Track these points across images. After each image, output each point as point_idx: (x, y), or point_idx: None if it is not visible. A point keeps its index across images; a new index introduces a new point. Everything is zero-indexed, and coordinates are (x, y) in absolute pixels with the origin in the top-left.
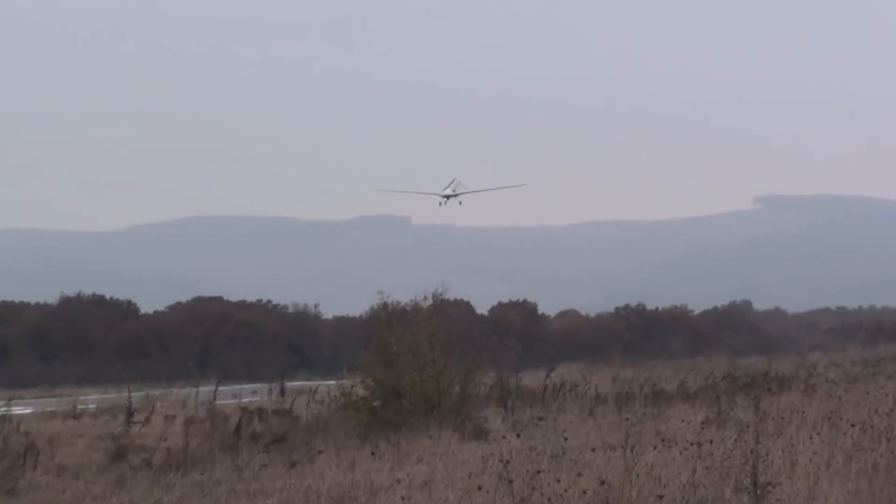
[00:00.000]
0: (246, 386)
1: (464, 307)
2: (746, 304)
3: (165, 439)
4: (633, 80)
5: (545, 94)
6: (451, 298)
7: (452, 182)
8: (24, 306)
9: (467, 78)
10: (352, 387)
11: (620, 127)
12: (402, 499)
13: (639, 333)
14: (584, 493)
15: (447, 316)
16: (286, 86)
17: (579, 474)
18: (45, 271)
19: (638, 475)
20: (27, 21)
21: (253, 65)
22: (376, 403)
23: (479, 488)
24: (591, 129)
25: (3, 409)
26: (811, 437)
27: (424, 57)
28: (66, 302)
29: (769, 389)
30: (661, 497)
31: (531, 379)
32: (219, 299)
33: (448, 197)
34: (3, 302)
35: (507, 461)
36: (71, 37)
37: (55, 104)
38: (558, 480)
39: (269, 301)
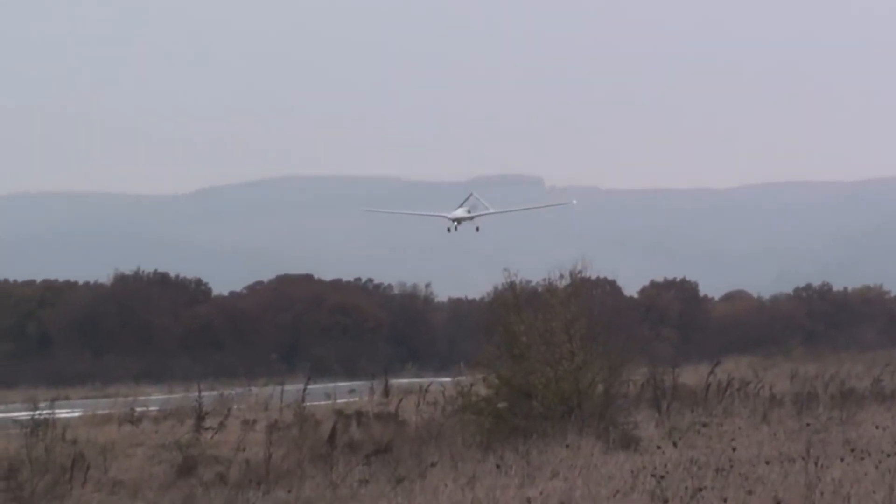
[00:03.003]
0: (342, 384)
1: (608, 288)
2: None
3: (243, 449)
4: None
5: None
6: (593, 277)
7: (468, 200)
8: (70, 287)
9: (613, 33)
10: (471, 385)
11: (799, 73)
12: None
13: (823, 320)
14: None
15: (588, 298)
16: (389, 32)
17: (750, 492)
18: (98, 243)
19: (822, 494)
20: None
21: (357, 12)
22: (501, 405)
23: None
24: (761, 75)
25: (45, 412)
26: None
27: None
28: (121, 281)
29: None
30: None
31: (691, 376)
32: (308, 278)
33: (459, 221)
34: (46, 281)
35: (662, 476)
36: None
37: (116, 50)
38: (724, 500)
39: (370, 280)
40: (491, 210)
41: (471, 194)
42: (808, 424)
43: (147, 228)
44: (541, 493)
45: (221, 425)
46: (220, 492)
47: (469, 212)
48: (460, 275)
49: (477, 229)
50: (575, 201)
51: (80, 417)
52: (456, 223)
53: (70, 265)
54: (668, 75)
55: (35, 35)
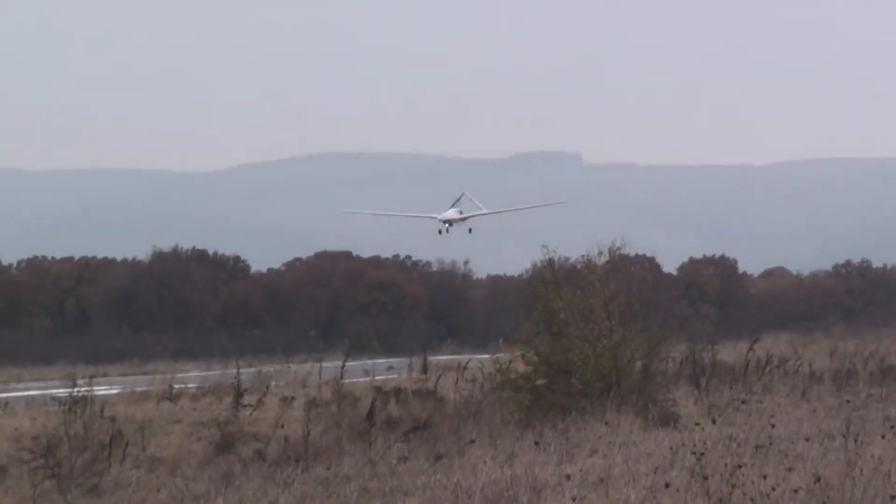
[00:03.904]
0: (380, 361)
1: (648, 264)
2: None
3: (282, 426)
4: None
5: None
6: (632, 254)
7: (459, 200)
8: (108, 263)
9: (656, 9)
10: (510, 362)
11: (840, 50)
12: (573, 499)
13: (862, 297)
14: (796, 491)
15: (627, 275)
16: (432, 7)
17: (789, 469)
18: (137, 220)
19: (862, 471)
20: None
21: None
22: (540, 382)
23: (667, 486)
24: (801, 52)
25: (83, 389)
26: None
27: None
28: (159, 258)
29: None
30: (892, 498)
31: (730, 353)
32: (347, 255)
33: (450, 223)
34: (84, 258)
35: (702, 453)
36: None
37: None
38: (764, 477)
39: (409, 257)
40: (484, 210)
41: (462, 194)
42: (847, 401)
43: (187, 205)
44: (580, 471)
45: (260, 402)
46: (258, 469)
47: (461, 213)
48: (499, 252)
49: (469, 231)
50: (566, 201)
51: (118, 394)
52: (447, 225)
53: (109, 242)
54: (707, 52)
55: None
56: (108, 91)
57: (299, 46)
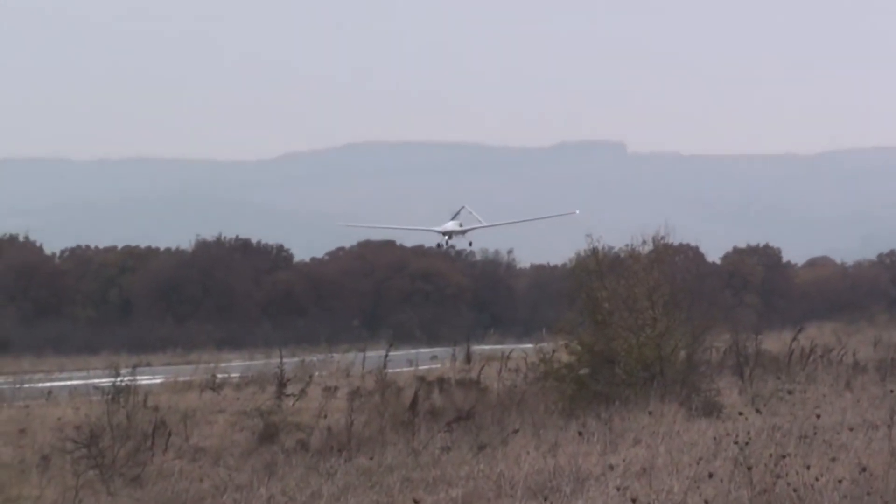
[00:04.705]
0: (424, 350)
1: (691, 254)
2: None
3: (325, 416)
4: None
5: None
6: (676, 243)
7: (459, 213)
8: (152, 253)
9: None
10: (553, 352)
11: (885, 37)
12: (617, 489)
13: None
14: (840, 482)
15: (671, 265)
16: None
17: (833, 459)
18: (180, 209)
19: None
20: None
21: None
22: (584, 372)
23: (711, 476)
24: (845, 39)
25: (126, 378)
26: None
27: None
28: (203, 247)
29: None
30: None
31: (774, 342)
32: (390, 244)
33: (450, 234)
34: (127, 247)
35: (745, 443)
36: None
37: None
38: (808, 467)
39: (452, 246)
40: (483, 223)
41: (462, 207)
42: (891, 391)
43: (230, 194)
44: (623, 460)
45: (303, 392)
46: (301, 459)
47: (461, 225)
48: (543, 241)
49: (470, 244)
50: (577, 211)
51: (161, 384)
52: (447, 237)
53: (152, 231)
54: (751, 41)
55: None
56: (152, 80)
57: (343, 37)
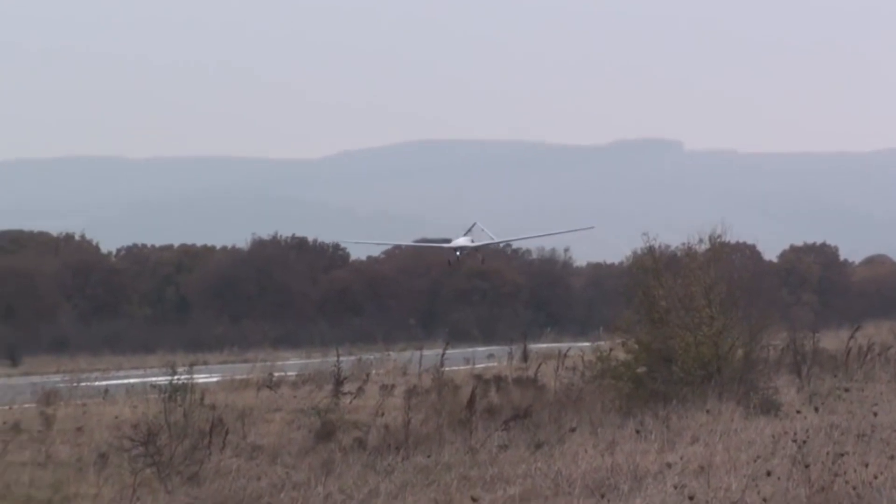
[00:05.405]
0: (481, 349)
1: (748, 252)
2: None
3: (382, 414)
4: None
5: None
6: (733, 241)
7: (471, 229)
8: (208, 251)
9: None
10: (610, 350)
11: None
12: (675, 487)
13: None
14: None
15: (728, 263)
16: None
17: (892, 457)
18: (237, 208)
19: None
20: None
21: None
22: (641, 370)
23: (769, 474)
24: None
25: (183, 376)
26: None
27: None
28: (259, 246)
29: None
30: None
31: (831, 340)
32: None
33: (461, 250)
34: (183, 245)
35: (803, 441)
36: None
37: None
38: (866, 465)
39: (509, 244)
40: (495, 240)
41: (474, 224)
42: None
43: (286, 192)
44: (681, 459)
45: (360, 390)
46: (358, 457)
47: (472, 241)
48: (599, 239)
49: (482, 260)
50: (594, 226)
51: (218, 382)
52: (458, 253)
53: (208, 230)
54: (805, 40)
55: None
56: (207, 80)
57: (399, 38)
